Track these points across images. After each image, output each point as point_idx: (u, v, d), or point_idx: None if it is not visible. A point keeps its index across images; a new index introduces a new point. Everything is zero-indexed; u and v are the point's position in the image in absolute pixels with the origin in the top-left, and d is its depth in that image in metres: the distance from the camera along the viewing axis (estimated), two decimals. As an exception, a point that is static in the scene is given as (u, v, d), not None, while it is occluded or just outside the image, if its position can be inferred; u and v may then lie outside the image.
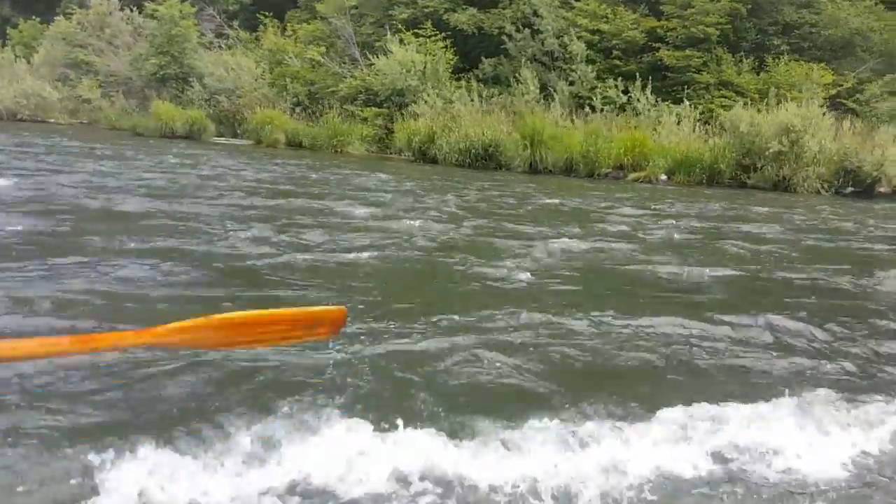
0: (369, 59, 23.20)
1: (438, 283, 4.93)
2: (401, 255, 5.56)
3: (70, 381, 2.30)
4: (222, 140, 21.73)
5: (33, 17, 34.66)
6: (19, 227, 5.37)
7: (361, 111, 22.01)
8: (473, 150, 16.69)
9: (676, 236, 7.64)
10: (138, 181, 9.73)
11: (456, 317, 3.70)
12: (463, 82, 22.02)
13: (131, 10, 29.15)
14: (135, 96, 26.13)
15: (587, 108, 19.02)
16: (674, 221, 8.94)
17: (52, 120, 26.01)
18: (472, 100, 20.40)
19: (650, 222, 8.68)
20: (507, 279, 4.84)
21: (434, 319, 3.63)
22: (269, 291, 4.15)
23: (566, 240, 6.60)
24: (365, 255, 5.32)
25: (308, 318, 1.61)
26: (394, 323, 3.53)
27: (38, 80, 26.88)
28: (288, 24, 27.98)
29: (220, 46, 26.66)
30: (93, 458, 1.89)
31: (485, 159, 16.75)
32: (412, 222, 7.22)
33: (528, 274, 4.98)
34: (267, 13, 28.43)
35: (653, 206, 10.75)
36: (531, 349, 3.27)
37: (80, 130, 22.96)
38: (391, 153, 21.36)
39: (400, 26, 22.52)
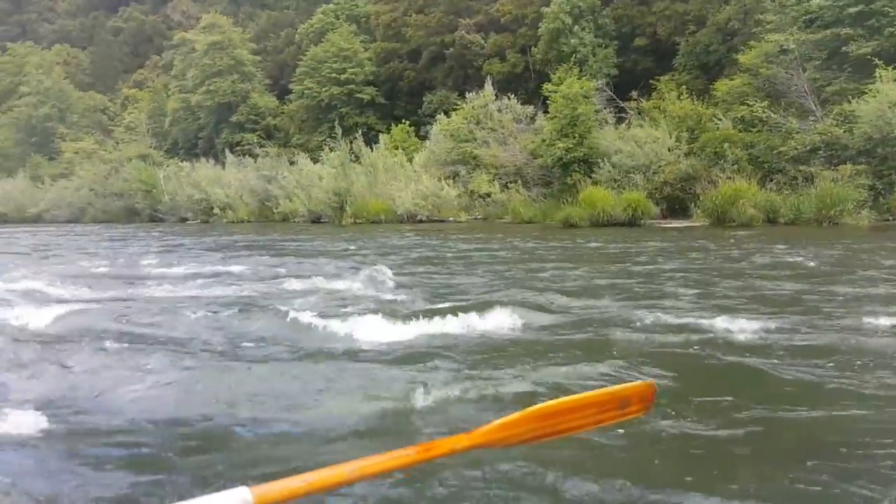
0: (828, 108, 18.83)
1: None
2: None
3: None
4: (671, 223, 18.66)
5: (402, 121, 36.30)
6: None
7: (827, 170, 17.57)
8: None
9: None
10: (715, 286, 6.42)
11: None
12: None
13: (508, 98, 28.40)
14: (529, 186, 24.65)
15: None
16: None
17: (451, 218, 25.46)
18: None
19: None
20: None
21: None
22: None
23: None
24: None
25: (616, 397, 1.50)
26: None
27: (428, 179, 26.79)
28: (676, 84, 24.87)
29: (614, 121, 24.22)
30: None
31: None
32: None
33: None
34: (658, 77, 25.76)
35: None
36: None
37: (503, 227, 21.67)
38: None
39: (877, 61, 17.80)
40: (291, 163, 34.58)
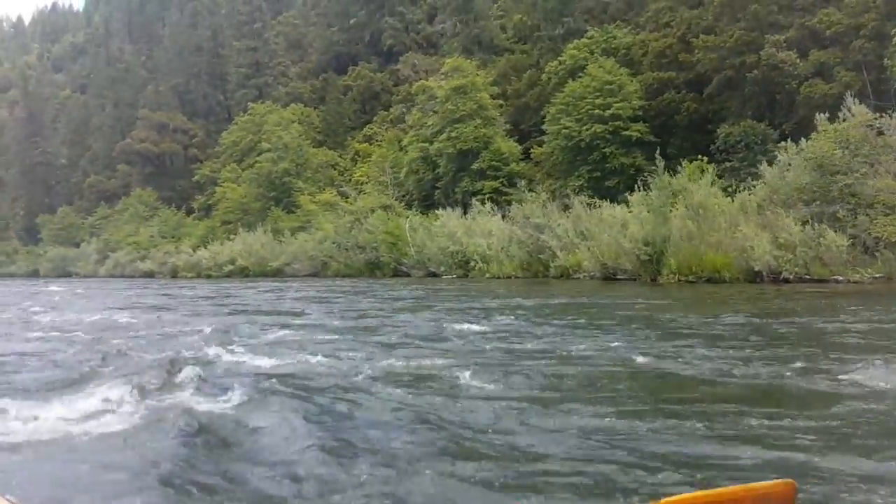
0: None
1: None
2: None
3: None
4: None
5: (684, 159, 29.82)
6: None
7: None
8: None
9: None
10: None
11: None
12: None
13: (890, 116, 20.99)
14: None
15: None
16: None
17: (839, 277, 18.31)
18: None
19: None
20: None
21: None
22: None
23: None
24: None
25: (756, 495, 1.47)
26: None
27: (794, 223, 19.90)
28: None
29: None
30: None
31: None
32: None
33: None
34: None
35: None
36: None
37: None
38: None
39: None
40: (566, 207, 29.29)
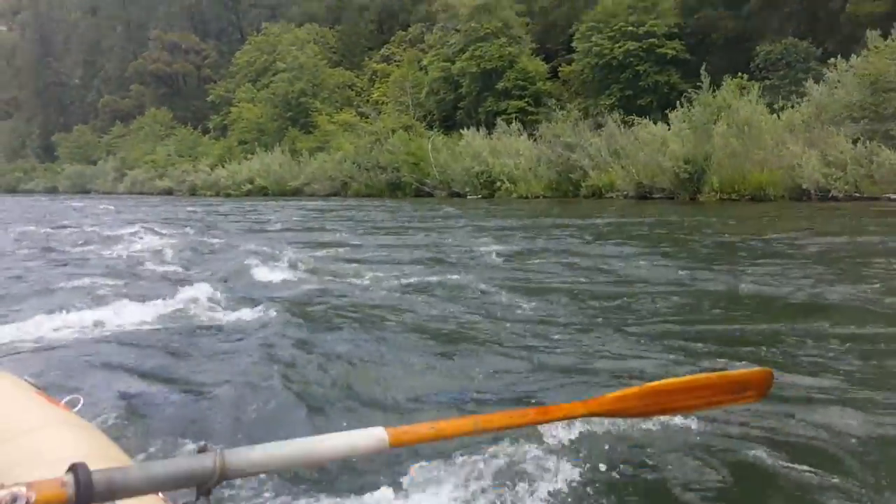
0: None
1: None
2: None
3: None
4: None
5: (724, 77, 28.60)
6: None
7: None
8: None
9: None
10: None
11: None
12: None
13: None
14: None
15: None
16: None
17: (893, 195, 17.64)
18: None
19: None
20: None
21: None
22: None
23: None
24: None
25: (733, 381, 1.51)
26: None
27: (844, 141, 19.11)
28: None
29: None
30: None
31: None
32: None
33: None
34: None
35: None
36: None
37: None
38: None
39: None
40: (599, 125, 28.37)
